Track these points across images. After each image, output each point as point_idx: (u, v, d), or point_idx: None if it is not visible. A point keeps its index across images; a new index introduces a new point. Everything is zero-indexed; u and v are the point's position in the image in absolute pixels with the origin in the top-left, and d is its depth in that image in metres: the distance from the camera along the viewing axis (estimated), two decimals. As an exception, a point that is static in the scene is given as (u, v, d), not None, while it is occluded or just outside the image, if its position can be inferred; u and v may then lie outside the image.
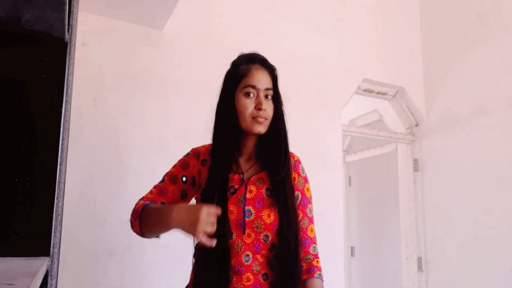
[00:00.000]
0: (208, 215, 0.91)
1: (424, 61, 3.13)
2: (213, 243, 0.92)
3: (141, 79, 2.10)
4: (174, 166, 1.18)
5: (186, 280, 1.18)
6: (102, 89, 2.00)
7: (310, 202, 1.20)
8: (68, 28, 0.83)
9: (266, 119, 1.10)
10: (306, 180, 1.21)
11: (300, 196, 1.18)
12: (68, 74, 0.88)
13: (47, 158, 0.82)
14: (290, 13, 2.64)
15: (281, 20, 2.60)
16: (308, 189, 1.21)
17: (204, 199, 1.09)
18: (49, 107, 0.83)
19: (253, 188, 1.10)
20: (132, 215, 1.09)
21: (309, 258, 1.15)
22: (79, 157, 1.88)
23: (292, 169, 1.16)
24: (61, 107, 0.84)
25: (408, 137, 3.12)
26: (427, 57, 3.11)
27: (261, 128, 1.10)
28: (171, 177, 1.16)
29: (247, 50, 1.20)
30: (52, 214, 0.81)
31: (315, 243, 1.17)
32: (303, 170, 1.21)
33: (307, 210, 1.18)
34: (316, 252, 1.17)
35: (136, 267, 1.93)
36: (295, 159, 1.21)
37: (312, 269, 1.14)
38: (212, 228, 0.91)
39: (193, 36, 2.27)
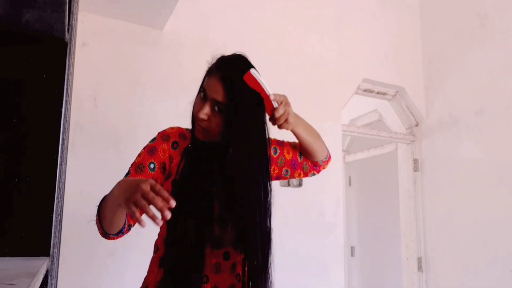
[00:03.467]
0: (152, 188, 0.73)
1: (424, 61, 3.13)
2: (145, 225, 0.72)
3: (141, 79, 2.10)
4: (140, 155, 1.04)
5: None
6: (102, 89, 2.00)
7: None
8: (68, 28, 0.82)
9: (204, 128, 0.99)
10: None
11: (278, 149, 1.15)
12: (68, 74, 0.87)
13: (47, 158, 0.82)
14: (290, 13, 2.64)
15: (281, 20, 2.60)
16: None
17: (183, 189, 0.98)
18: (49, 107, 0.83)
19: None
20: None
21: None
22: (79, 157, 1.88)
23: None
24: (61, 107, 0.84)
25: (408, 137, 3.11)
26: (427, 57, 3.11)
27: (199, 134, 1.00)
28: (136, 167, 1.01)
29: (246, 50, 1.15)
30: (52, 214, 0.81)
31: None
32: None
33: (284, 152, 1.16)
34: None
35: (136, 267, 1.93)
36: None
37: None
38: (160, 203, 0.71)
39: (193, 36, 2.27)
